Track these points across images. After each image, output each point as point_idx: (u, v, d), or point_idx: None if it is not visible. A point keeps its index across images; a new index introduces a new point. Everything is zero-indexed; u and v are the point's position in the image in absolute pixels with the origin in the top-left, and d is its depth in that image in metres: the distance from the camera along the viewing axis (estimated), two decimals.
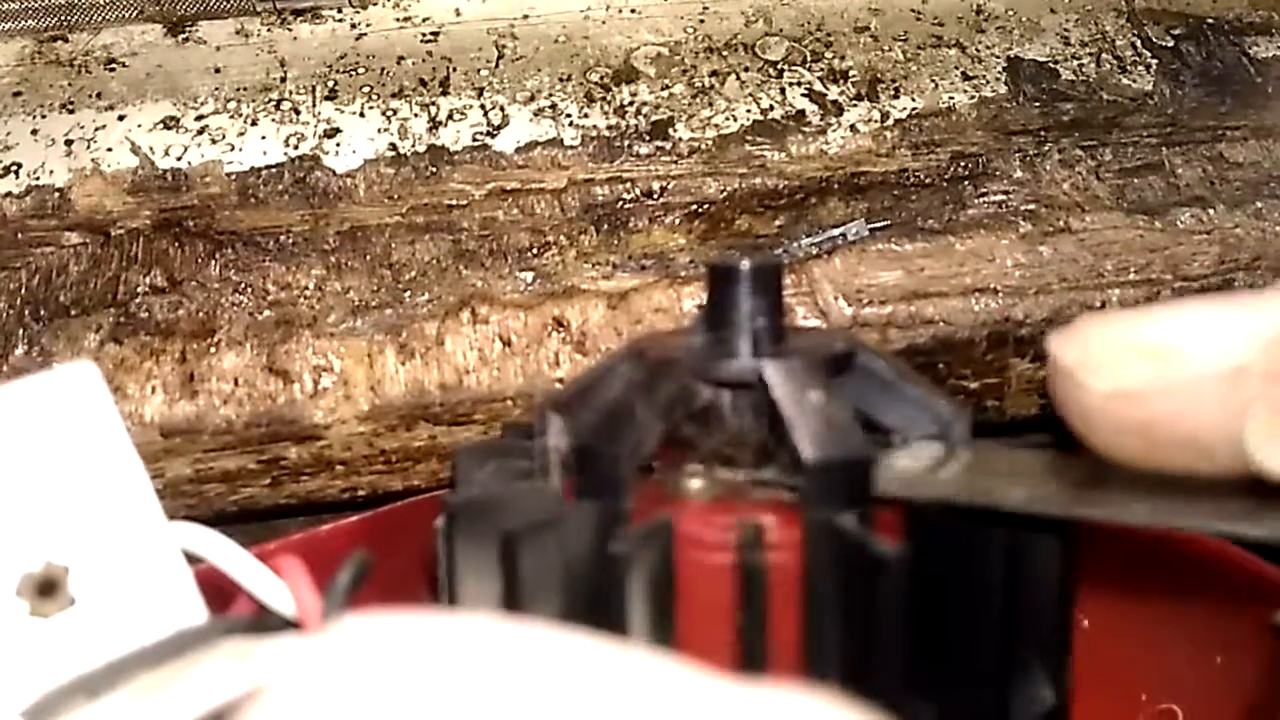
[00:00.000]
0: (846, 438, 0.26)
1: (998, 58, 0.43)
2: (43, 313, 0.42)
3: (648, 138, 0.42)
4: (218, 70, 0.45)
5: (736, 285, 0.28)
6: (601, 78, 0.44)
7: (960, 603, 0.26)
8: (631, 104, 0.43)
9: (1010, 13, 0.43)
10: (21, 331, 0.41)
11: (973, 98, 0.42)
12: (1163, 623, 0.35)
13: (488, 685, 0.15)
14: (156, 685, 0.22)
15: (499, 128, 0.43)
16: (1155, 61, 0.42)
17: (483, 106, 0.43)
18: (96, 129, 0.44)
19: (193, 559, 0.25)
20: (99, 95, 0.45)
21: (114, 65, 0.45)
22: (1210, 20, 0.43)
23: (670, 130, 0.42)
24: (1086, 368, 0.23)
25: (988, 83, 0.42)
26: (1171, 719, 0.34)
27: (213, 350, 0.41)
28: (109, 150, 0.43)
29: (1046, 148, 0.41)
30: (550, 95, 0.43)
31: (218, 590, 0.25)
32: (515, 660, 0.16)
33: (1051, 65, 0.42)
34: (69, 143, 0.43)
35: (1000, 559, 0.26)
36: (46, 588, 0.23)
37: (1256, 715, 0.33)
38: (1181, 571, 0.34)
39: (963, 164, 0.41)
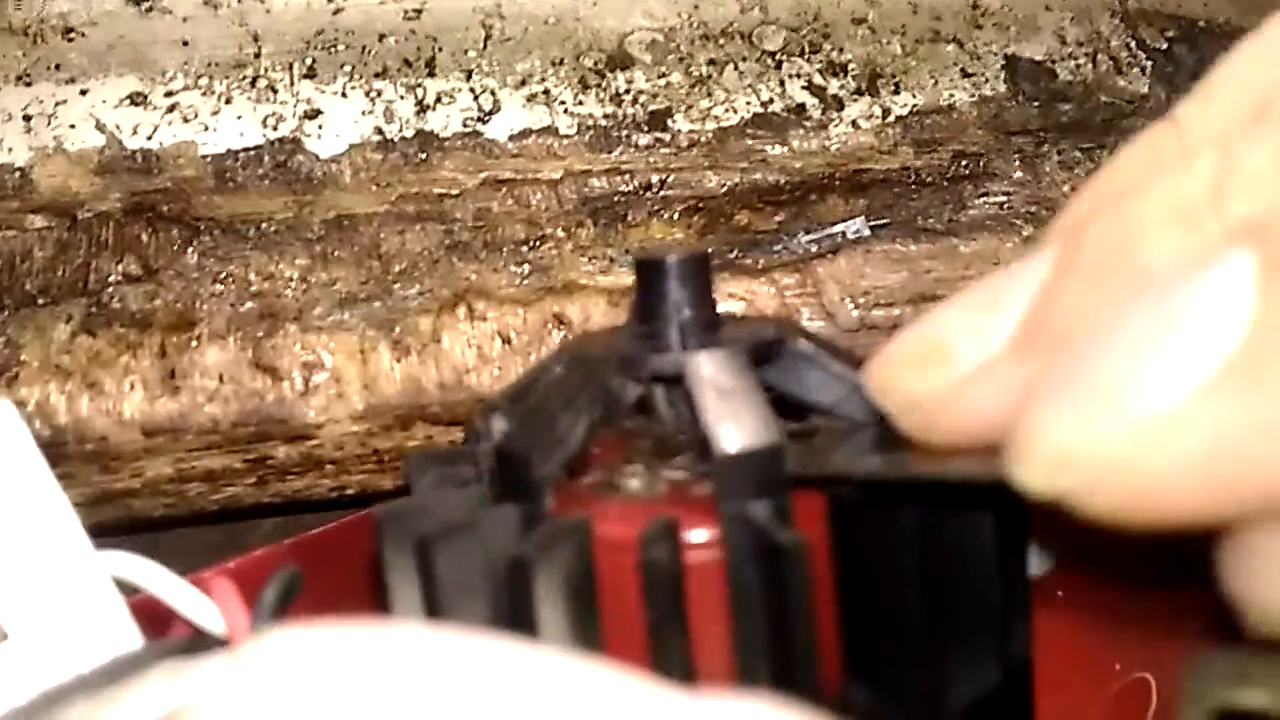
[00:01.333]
0: (759, 427, 0.25)
1: (995, 55, 0.43)
2: (8, 301, 0.39)
3: (645, 128, 0.41)
4: (186, 43, 0.42)
5: (664, 278, 0.28)
6: (595, 63, 0.42)
7: (881, 583, 0.26)
8: (628, 92, 0.42)
9: (1006, 9, 0.43)
10: None
11: (973, 95, 0.42)
12: (1140, 592, 0.36)
13: (404, 695, 0.15)
14: (94, 712, 0.23)
15: (490, 113, 0.41)
16: (1150, 64, 0.43)
17: (472, 90, 0.42)
18: (57, 104, 0.41)
19: (125, 587, 0.25)
20: (58, 67, 0.42)
21: (72, 34, 0.42)
22: (1202, 23, 0.43)
23: (669, 121, 0.41)
24: (880, 390, 0.23)
25: (987, 80, 0.42)
26: (1144, 689, 0.35)
27: (194, 344, 0.39)
28: (72, 127, 0.41)
29: (1045, 149, 0.42)
30: (543, 80, 0.42)
31: (154, 616, 0.25)
32: (432, 669, 0.16)
33: (1049, 64, 0.42)
34: (27, 118, 0.41)
35: (915, 537, 0.26)
36: None
37: None
38: (1160, 540, 0.34)
39: (964, 163, 0.41)
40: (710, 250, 0.30)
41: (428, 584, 0.25)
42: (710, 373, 0.26)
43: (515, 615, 0.24)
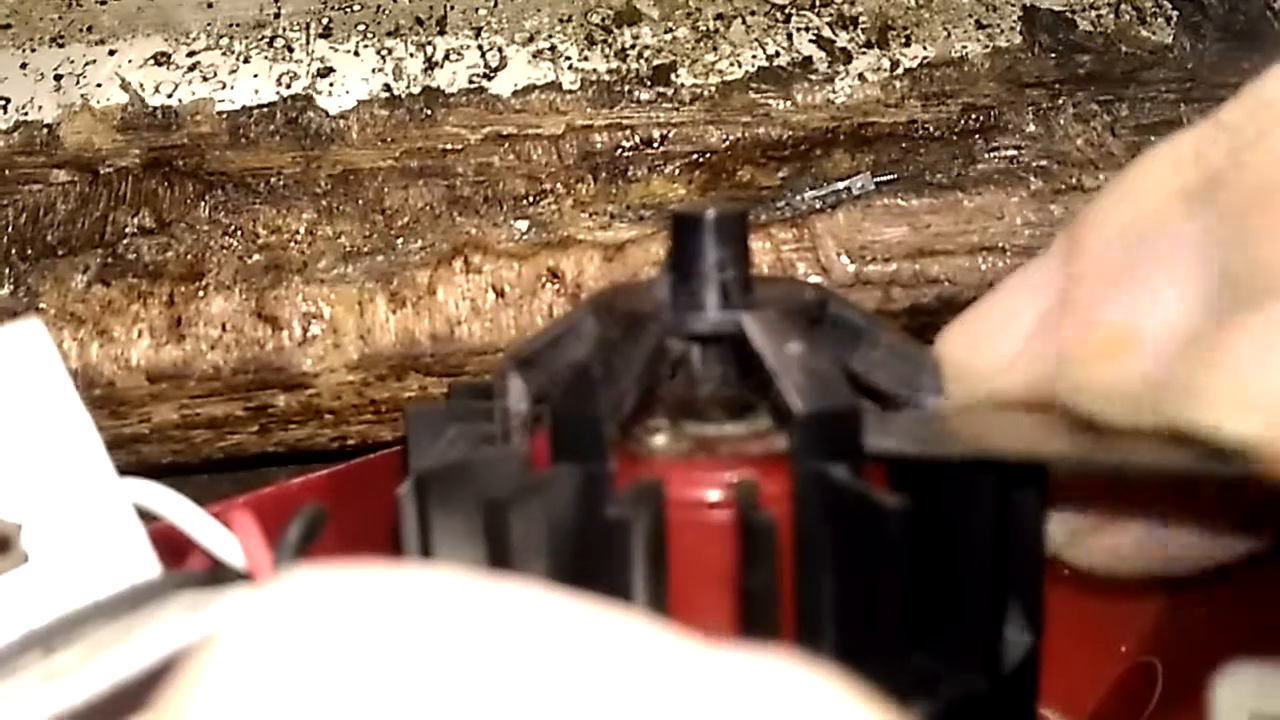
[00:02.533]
0: (833, 388, 0.25)
1: (1013, 6, 0.41)
2: (29, 252, 0.41)
3: (649, 83, 0.41)
4: (210, 5, 0.44)
5: (702, 235, 0.27)
6: (603, 19, 0.42)
7: (953, 550, 0.26)
8: (633, 47, 0.42)
9: None
10: (8, 271, 0.41)
11: (986, 47, 0.41)
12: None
13: (449, 640, 0.15)
14: (111, 639, 0.23)
15: (496, 70, 0.42)
16: (1176, 13, 0.41)
17: (480, 47, 0.42)
18: (86, 64, 0.43)
19: (147, 515, 0.25)
20: (89, 29, 0.43)
21: None
22: None
23: (672, 75, 0.41)
24: (1070, 387, 0.24)
25: (1002, 32, 0.41)
26: (1150, 673, 0.34)
27: (201, 294, 0.40)
28: (98, 86, 0.42)
29: (1061, 101, 0.40)
30: (550, 36, 0.42)
31: (173, 547, 0.25)
32: (463, 617, 0.15)
33: (1069, 15, 0.41)
34: (58, 78, 0.42)
35: (990, 504, 0.26)
36: None
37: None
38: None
39: (974, 116, 0.40)
40: (746, 208, 0.30)
41: (497, 546, 0.24)
42: (772, 333, 0.26)
43: (584, 576, 0.24)
